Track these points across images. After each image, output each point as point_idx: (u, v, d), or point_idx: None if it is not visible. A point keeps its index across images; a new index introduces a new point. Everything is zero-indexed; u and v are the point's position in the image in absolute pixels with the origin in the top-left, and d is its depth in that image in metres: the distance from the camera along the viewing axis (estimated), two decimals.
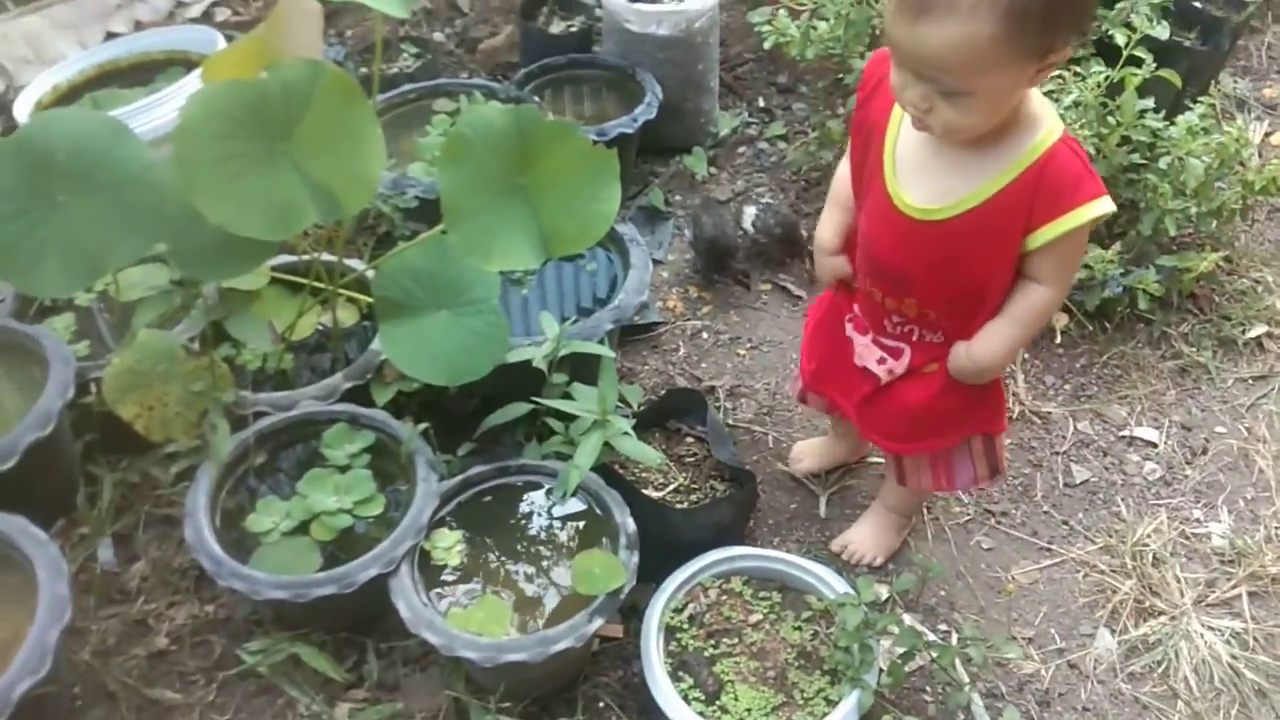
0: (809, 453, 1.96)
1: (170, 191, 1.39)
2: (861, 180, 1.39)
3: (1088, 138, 2.06)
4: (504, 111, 1.40)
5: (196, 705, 1.56)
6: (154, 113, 2.01)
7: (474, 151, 1.39)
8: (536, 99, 2.47)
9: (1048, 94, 2.12)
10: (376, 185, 1.44)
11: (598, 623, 1.45)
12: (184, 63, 2.35)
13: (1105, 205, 1.24)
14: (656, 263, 2.41)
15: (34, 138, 1.38)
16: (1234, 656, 1.71)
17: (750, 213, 2.37)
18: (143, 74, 2.38)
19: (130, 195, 1.38)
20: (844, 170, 1.46)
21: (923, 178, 1.29)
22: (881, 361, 1.53)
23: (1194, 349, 2.23)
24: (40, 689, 1.31)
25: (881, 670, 1.51)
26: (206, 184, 1.37)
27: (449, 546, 1.58)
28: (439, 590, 1.54)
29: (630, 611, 1.69)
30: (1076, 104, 2.07)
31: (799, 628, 1.61)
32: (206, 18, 2.90)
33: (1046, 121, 1.24)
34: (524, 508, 1.66)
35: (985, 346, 1.41)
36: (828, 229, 1.52)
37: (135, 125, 1.88)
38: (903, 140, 1.30)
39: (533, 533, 1.63)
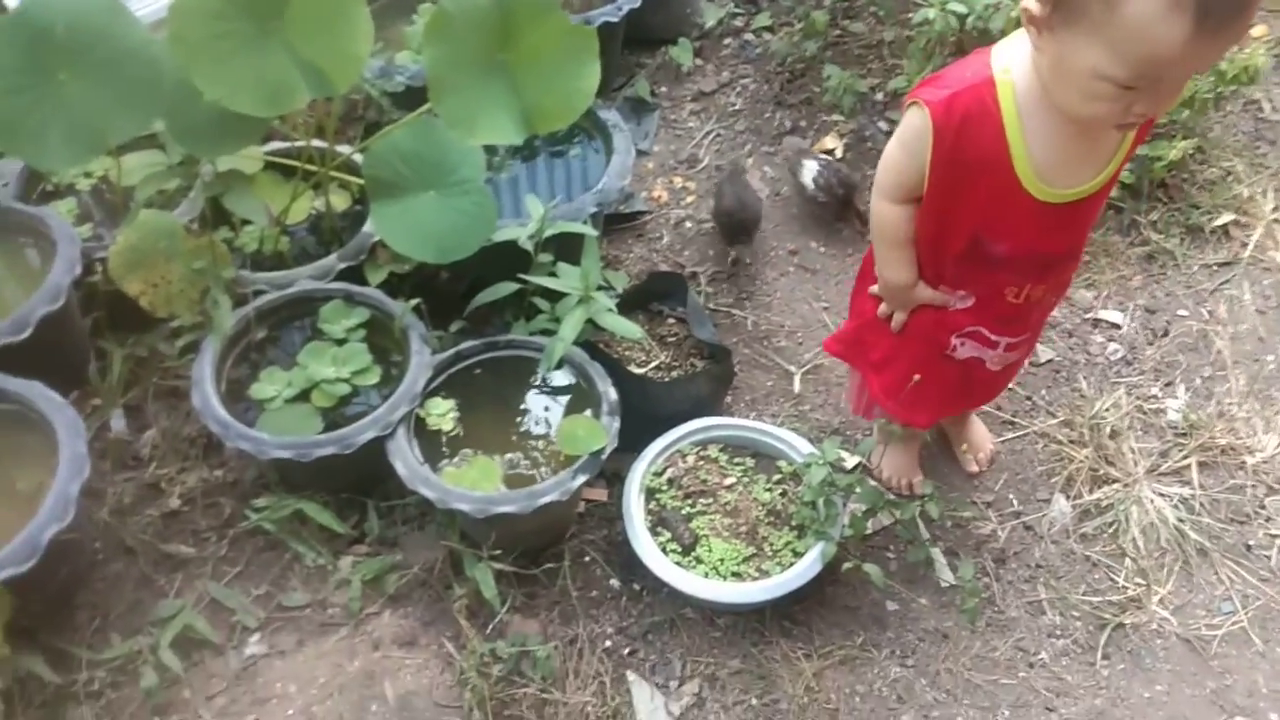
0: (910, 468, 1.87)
1: (166, 69, 1.44)
2: (978, 209, 1.32)
3: None
4: None
5: (209, 559, 1.68)
6: None
7: (457, 27, 1.44)
8: None
9: None
10: (365, 62, 1.50)
11: (581, 479, 1.56)
12: None
13: None
14: (642, 153, 2.46)
15: (32, 15, 1.43)
16: (1180, 520, 1.83)
17: (811, 168, 2.24)
18: None
19: (128, 71, 1.43)
20: (894, 214, 1.39)
21: (1070, 167, 1.26)
22: (1011, 349, 1.54)
23: (1162, 236, 2.30)
24: (66, 535, 1.42)
25: (845, 525, 1.62)
26: (202, 61, 1.42)
27: (443, 413, 1.68)
28: (434, 453, 1.64)
29: (614, 478, 1.79)
30: None
31: (770, 489, 1.72)
32: None
33: None
34: (513, 379, 1.75)
35: None
36: (903, 268, 1.45)
37: (135, 5, 1.93)
38: (1035, 152, 1.24)
39: (521, 402, 1.73)
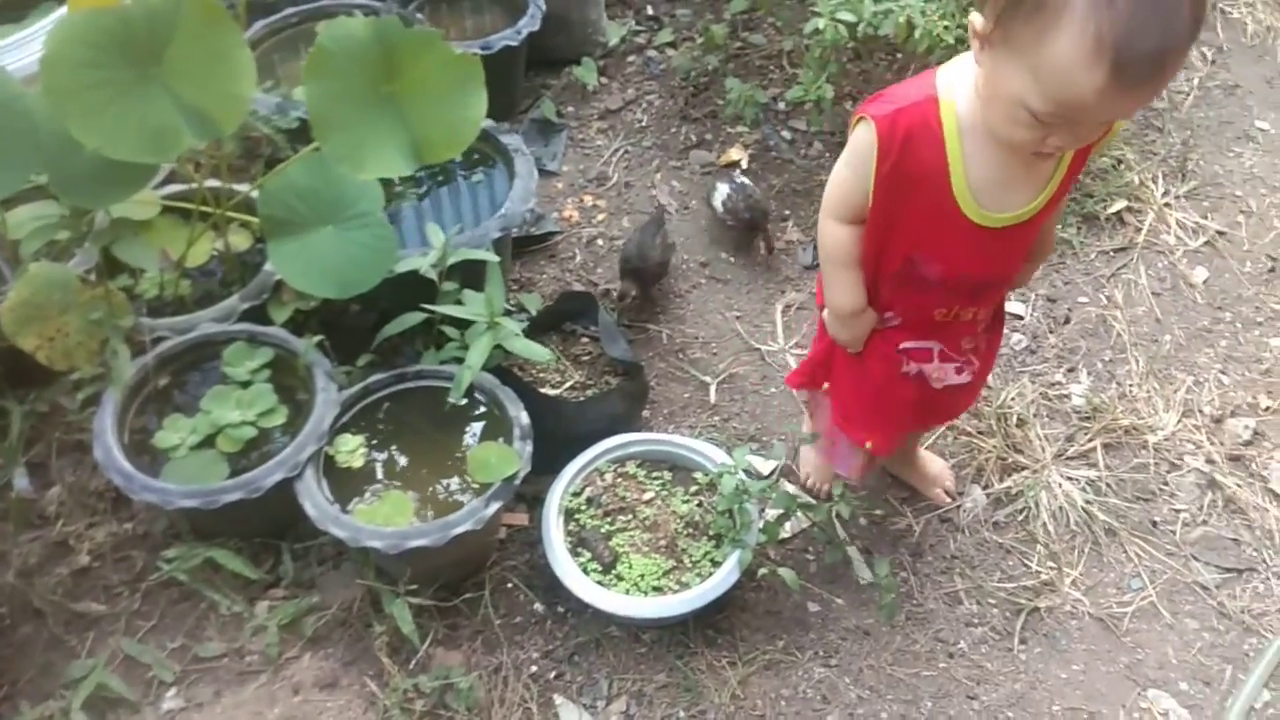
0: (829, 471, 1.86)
1: (43, 121, 1.42)
2: (913, 227, 1.33)
3: (947, 29, 2.15)
4: (366, 23, 1.44)
5: (122, 614, 1.64)
6: (26, 49, 2.00)
7: (338, 64, 1.44)
8: (419, 16, 2.48)
9: None
10: (249, 104, 1.49)
11: (494, 506, 1.56)
12: None
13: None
14: (551, 174, 2.47)
15: None
16: (1088, 502, 1.88)
17: (722, 191, 2.26)
18: (14, 10, 2.34)
19: (2, 127, 1.40)
20: (842, 234, 1.38)
21: (1005, 191, 1.27)
22: (961, 370, 1.54)
23: (1059, 226, 2.37)
24: None
25: (760, 531, 1.64)
26: (78, 111, 1.40)
27: (352, 450, 1.67)
28: (345, 490, 1.63)
29: (535, 501, 1.80)
30: None
31: (687, 500, 1.74)
32: None
33: None
34: (423, 410, 1.74)
35: (1041, 259, 1.53)
36: (852, 291, 1.43)
37: (8, 61, 1.89)
38: (972, 173, 1.24)
39: (433, 433, 1.72)
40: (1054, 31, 1.00)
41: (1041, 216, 1.31)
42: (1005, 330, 2.16)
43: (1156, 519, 1.88)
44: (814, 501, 1.76)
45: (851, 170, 1.32)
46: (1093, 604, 1.76)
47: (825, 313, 1.52)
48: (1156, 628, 1.73)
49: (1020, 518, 1.87)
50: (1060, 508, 1.88)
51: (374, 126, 1.49)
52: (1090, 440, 1.99)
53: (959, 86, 1.21)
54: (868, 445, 1.60)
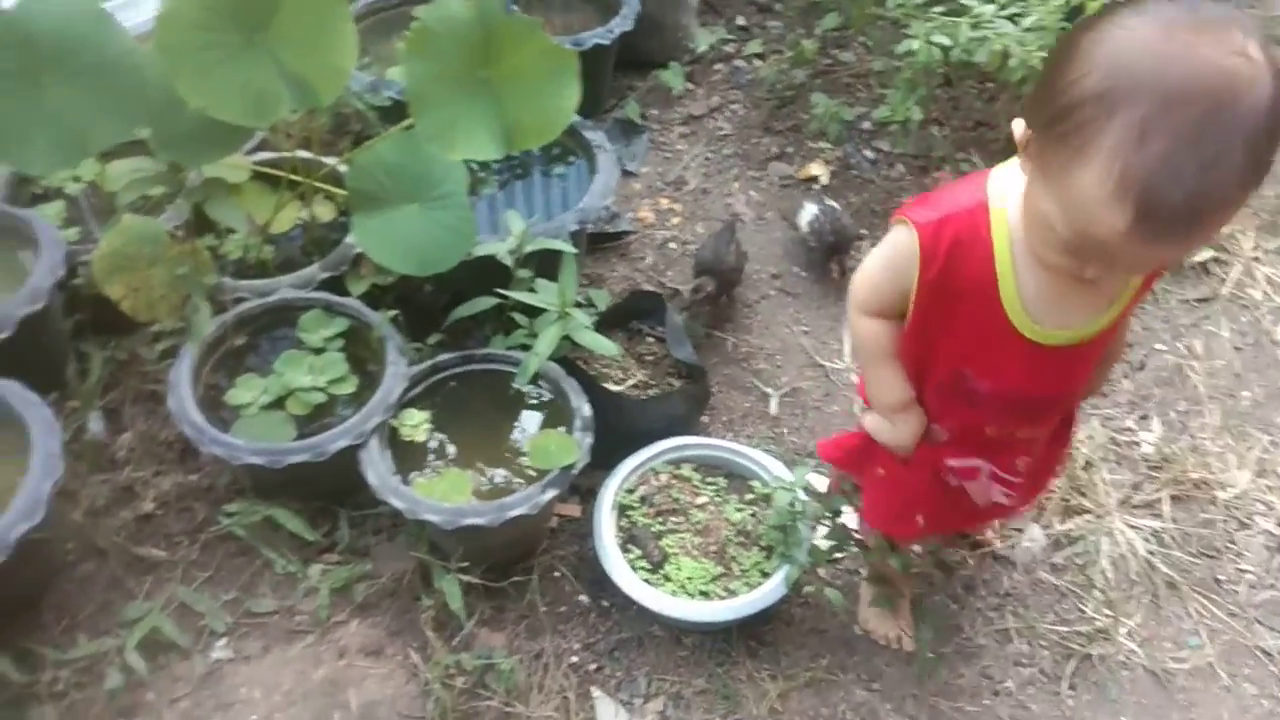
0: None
1: (150, 77, 1.46)
2: (961, 339, 1.23)
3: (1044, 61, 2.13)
4: (468, 5, 1.47)
5: (180, 563, 1.68)
6: (143, 7, 2.06)
7: (438, 44, 1.46)
8: (514, 7, 2.51)
9: (1009, 18, 2.18)
10: (349, 75, 1.52)
11: (550, 494, 1.57)
12: None
13: None
14: (630, 174, 2.49)
15: (19, 22, 1.45)
16: (1151, 552, 1.83)
17: (810, 211, 2.23)
18: None
19: (112, 79, 1.45)
20: (876, 327, 1.28)
21: (1062, 307, 1.15)
22: (1009, 494, 1.42)
23: None
24: (35, 534, 1.42)
25: (809, 550, 1.62)
26: (187, 70, 1.44)
27: (416, 424, 1.69)
28: (406, 463, 1.65)
29: (589, 495, 1.80)
30: (1035, 27, 2.13)
31: (741, 509, 1.73)
32: None
33: None
34: (488, 393, 1.76)
35: (1098, 385, 1.48)
36: (895, 384, 1.31)
37: (127, 18, 1.94)
38: (1026, 287, 1.13)
39: (495, 416, 1.74)
40: (1081, 162, 0.90)
41: (1106, 336, 1.20)
42: None
43: (1221, 577, 1.82)
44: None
45: (890, 272, 1.22)
46: (1147, 656, 1.71)
47: (866, 416, 1.40)
48: (1213, 689, 1.68)
49: (1079, 562, 1.83)
50: (1121, 555, 1.83)
51: (467, 108, 1.51)
52: (1158, 490, 1.93)
53: (1012, 192, 1.10)
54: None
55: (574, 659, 1.64)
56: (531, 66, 1.51)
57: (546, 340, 1.70)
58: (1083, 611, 1.76)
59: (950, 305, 1.19)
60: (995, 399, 1.27)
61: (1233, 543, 1.87)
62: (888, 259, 1.23)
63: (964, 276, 1.15)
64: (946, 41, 2.15)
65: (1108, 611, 1.76)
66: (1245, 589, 1.80)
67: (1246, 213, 2.47)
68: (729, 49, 2.82)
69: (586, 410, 1.68)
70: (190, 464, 1.80)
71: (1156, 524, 1.89)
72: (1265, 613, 1.78)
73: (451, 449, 1.68)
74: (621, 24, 2.44)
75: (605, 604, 1.71)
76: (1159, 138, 0.85)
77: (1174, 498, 1.93)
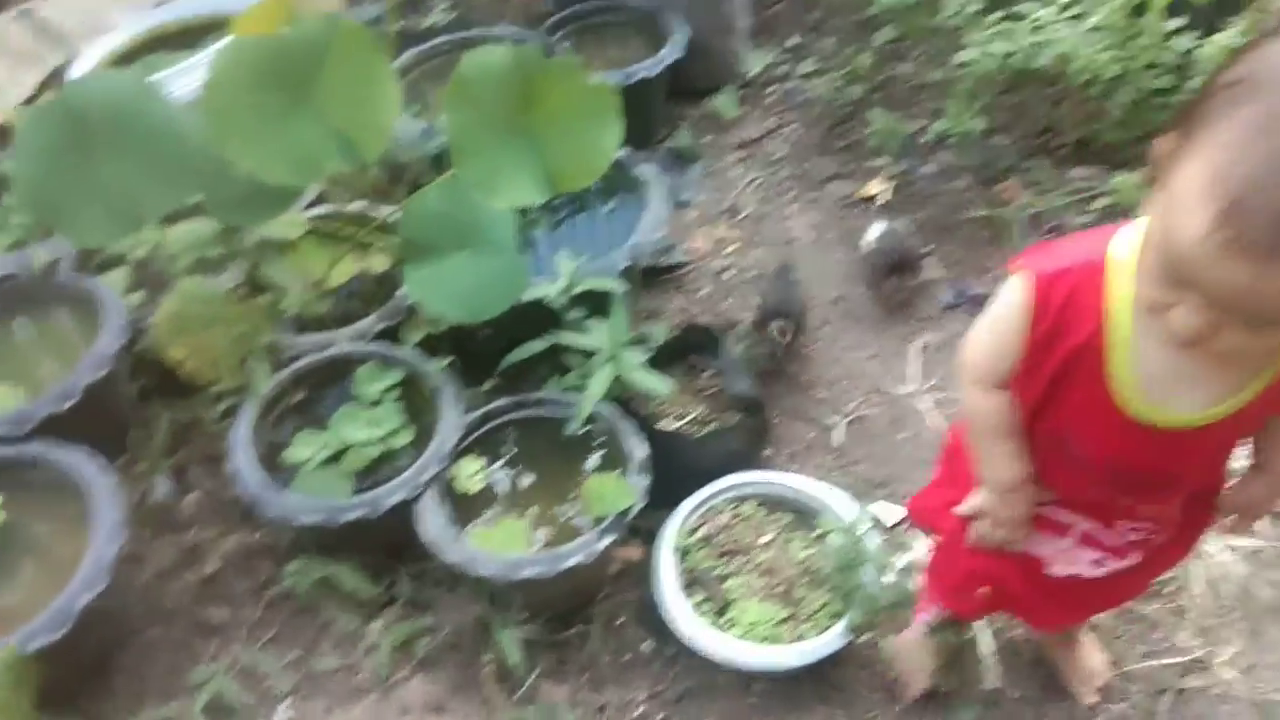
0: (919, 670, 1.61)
1: (197, 144, 1.49)
2: (1061, 404, 1.12)
3: (1110, 61, 2.04)
4: (505, 53, 1.46)
5: (244, 624, 1.70)
6: (195, 75, 2.12)
7: (476, 92, 1.46)
8: (566, 45, 2.52)
9: (1072, 18, 2.10)
10: (391, 134, 1.52)
11: (607, 540, 1.54)
12: (227, 26, 2.45)
13: None
14: (684, 204, 2.46)
15: (72, 101, 1.49)
16: (1248, 575, 1.72)
17: (876, 229, 2.20)
18: (189, 39, 2.49)
19: (161, 148, 1.48)
20: (992, 402, 1.16)
21: (1178, 388, 1.02)
22: (1099, 563, 1.28)
23: None
24: (99, 603, 1.45)
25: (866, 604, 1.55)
26: (235, 133, 1.47)
27: (472, 474, 1.68)
28: (465, 513, 1.64)
29: (650, 536, 1.76)
30: (1098, 28, 2.04)
31: (807, 547, 1.67)
32: None
33: None
34: (543, 438, 1.74)
35: None
36: (1010, 463, 1.18)
37: (177, 87, 2.00)
38: (1136, 354, 1.01)
39: (550, 461, 1.72)
40: (1191, 152, 0.79)
41: (1238, 420, 1.02)
42: None
43: None
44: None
45: (1000, 330, 1.10)
46: (1249, 688, 1.60)
47: (969, 503, 1.28)
48: None
49: (1170, 588, 1.72)
50: (1216, 579, 1.72)
51: (509, 155, 1.50)
52: None
53: (1137, 251, 0.95)
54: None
55: (639, 710, 1.60)
56: (571, 109, 1.50)
57: (598, 383, 1.67)
58: (1174, 643, 1.66)
59: (1055, 368, 1.07)
60: (1097, 467, 1.14)
61: None
62: (999, 317, 1.10)
63: (1072, 337, 1.03)
64: (1007, 48, 2.08)
65: (1202, 641, 1.65)
66: None
67: None
68: (782, 70, 2.78)
69: (641, 452, 1.65)
70: (254, 522, 1.83)
71: (1255, 543, 1.77)
72: None
73: (508, 497, 1.67)
74: (670, 54, 2.42)
75: (670, 652, 1.67)
76: (1274, 137, 0.74)
77: (1274, 514, 1.81)
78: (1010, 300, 1.07)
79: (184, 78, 2.09)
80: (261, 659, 1.64)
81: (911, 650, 1.60)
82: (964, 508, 1.28)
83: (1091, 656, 1.60)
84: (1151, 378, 1.01)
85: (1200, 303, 0.84)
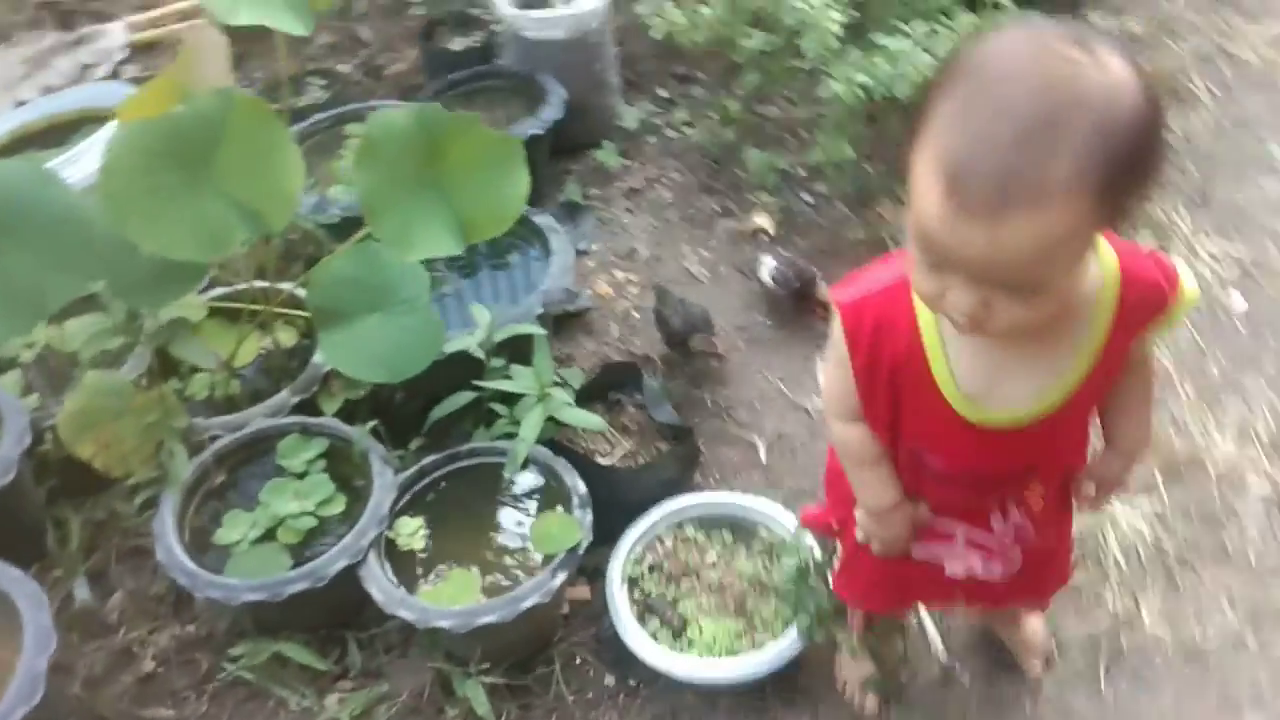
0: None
1: (100, 229, 1.46)
2: (906, 421, 1.16)
3: None
4: (408, 112, 1.49)
5: (190, 718, 1.62)
6: (72, 168, 2.07)
7: (384, 151, 1.48)
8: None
9: (925, 49, 2.26)
10: (298, 199, 1.53)
11: (561, 577, 1.54)
12: (96, 119, 2.40)
13: (1189, 278, 1.07)
14: (581, 253, 2.51)
15: None
16: (1157, 535, 1.85)
17: (769, 265, 2.28)
18: (57, 135, 2.43)
19: (61, 236, 1.45)
20: (852, 433, 1.21)
21: (1004, 384, 1.07)
22: (988, 566, 1.30)
23: None
24: (36, 716, 1.36)
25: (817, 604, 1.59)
26: (136, 216, 1.45)
27: (412, 532, 1.66)
28: (408, 574, 1.61)
29: (595, 574, 1.77)
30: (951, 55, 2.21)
31: (752, 559, 1.72)
32: (115, 77, 2.95)
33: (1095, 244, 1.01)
34: (479, 488, 1.74)
35: (1138, 441, 1.26)
36: (880, 488, 1.23)
37: (64, 176, 1.94)
38: (956, 358, 1.06)
39: (490, 510, 1.72)
40: (917, 151, 0.88)
41: (1069, 411, 1.08)
42: None
43: (1229, 546, 1.84)
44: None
45: (835, 365, 1.16)
46: (1176, 637, 1.71)
47: (859, 517, 1.31)
48: (1245, 657, 1.68)
49: (1091, 556, 1.83)
50: (1130, 543, 1.84)
51: (421, 209, 1.53)
52: (1150, 473, 1.95)
53: None
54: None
55: None
56: (477, 160, 1.54)
57: (530, 424, 1.69)
58: (1103, 605, 1.76)
59: (888, 390, 1.12)
60: (954, 478, 1.19)
61: (1233, 511, 1.89)
62: (831, 352, 1.16)
63: (890, 357, 1.08)
64: (868, 81, 2.22)
65: (1129, 600, 1.76)
66: (1254, 554, 1.82)
67: (1178, 193, 2.55)
68: (657, 121, 2.88)
69: (582, 488, 1.67)
70: (186, 614, 1.75)
71: (1156, 506, 1.90)
72: (1278, 572, 1.79)
73: (452, 551, 1.65)
74: (553, 113, 2.49)
75: (632, 682, 1.67)
76: (980, 110, 0.83)
77: (1167, 476, 1.95)
78: (834, 335, 1.13)
79: (69, 168, 2.04)
80: None
81: (852, 665, 1.63)
82: (859, 535, 1.32)
83: (1034, 629, 1.66)
84: (973, 380, 1.06)
85: (961, 280, 0.91)
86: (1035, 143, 0.82)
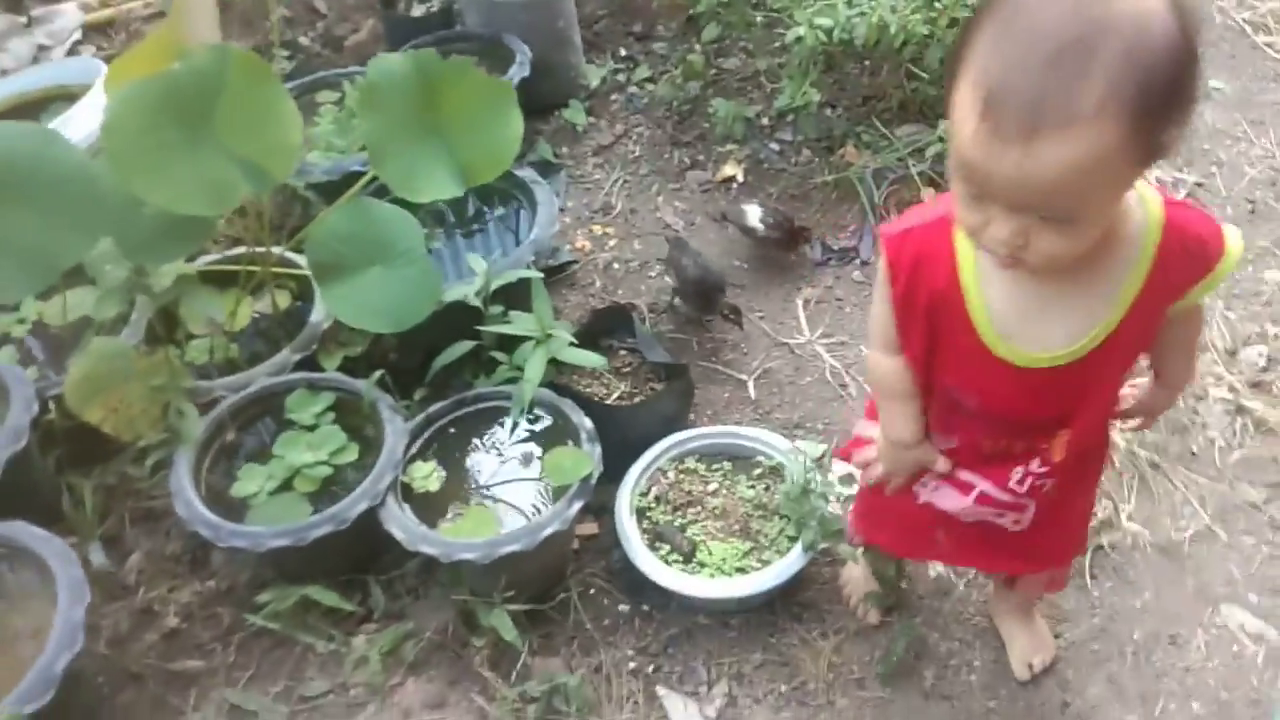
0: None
1: (106, 186, 1.47)
2: (941, 356, 1.18)
3: (920, 23, 2.28)
4: (404, 58, 1.53)
5: (219, 668, 1.66)
6: (76, 125, 2.05)
7: (385, 96, 1.52)
8: None
9: None
10: (299, 151, 1.55)
11: (578, 505, 1.60)
12: (65, 97, 2.38)
13: (1235, 239, 1.07)
14: (558, 210, 2.55)
15: None
16: (1127, 441, 1.96)
17: (755, 212, 2.33)
18: (27, 113, 2.40)
19: (69, 194, 1.46)
20: (887, 365, 1.24)
21: (1039, 323, 1.08)
22: (1002, 515, 1.32)
23: None
24: (77, 664, 1.39)
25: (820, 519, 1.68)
26: (141, 172, 1.47)
27: (426, 475, 1.71)
28: (426, 515, 1.66)
29: (601, 510, 1.83)
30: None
31: (752, 485, 1.79)
32: (72, 56, 2.91)
33: (1142, 193, 1.05)
34: (487, 431, 1.79)
35: (1183, 378, 1.30)
36: (906, 422, 1.26)
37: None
38: (993, 294, 1.08)
39: (501, 450, 1.77)
40: (957, 86, 0.92)
41: (1103, 357, 1.09)
42: None
43: (1195, 449, 1.95)
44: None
45: (878, 296, 1.19)
46: (1152, 535, 1.82)
47: (869, 449, 1.37)
48: (1216, 549, 1.80)
49: None
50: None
51: (423, 153, 1.57)
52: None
53: None
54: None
55: (632, 665, 1.66)
56: (472, 104, 1.58)
57: (535, 366, 1.74)
58: None
59: (924, 323, 1.14)
60: (985, 415, 1.21)
61: (1196, 415, 2.00)
62: (876, 285, 1.19)
63: (928, 290, 1.11)
64: (828, 22, 2.29)
65: (1107, 502, 1.86)
66: (1219, 454, 1.94)
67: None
68: (620, 79, 2.93)
69: (588, 423, 1.73)
70: (204, 571, 1.78)
71: (1132, 421, 2.01)
72: (1241, 470, 1.91)
73: (467, 490, 1.70)
74: (519, 71, 2.52)
75: (646, 608, 1.74)
76: (1015, 36, 0.87)
77: (1133, 387, 2.06)
78: (881, 267, 1.16)
79: (65, 129, 2.03)
80: (247, 698, 1.61)
81: (858, 577, 1.72)
82: (858, 456, 1.40)
83: (1037, 630, 1.65)
84: (1007, 318, 1.08)
85: (1001, 210, 0.93)
86: (1066, 66, 0.84)
